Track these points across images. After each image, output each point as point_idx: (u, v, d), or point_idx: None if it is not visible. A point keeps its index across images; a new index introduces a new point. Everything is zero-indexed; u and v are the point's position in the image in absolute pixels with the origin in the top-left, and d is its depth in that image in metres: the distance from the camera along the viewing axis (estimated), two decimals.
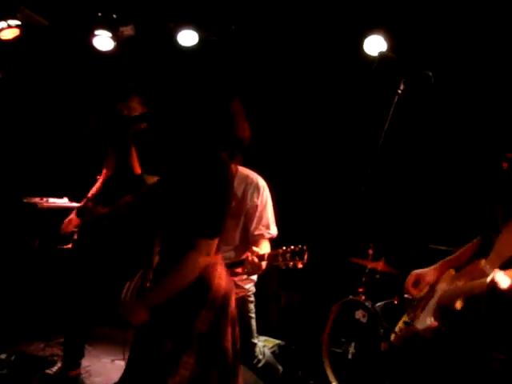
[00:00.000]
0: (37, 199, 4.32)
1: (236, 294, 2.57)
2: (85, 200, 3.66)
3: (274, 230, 2.98)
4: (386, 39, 4.21)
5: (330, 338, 4.14)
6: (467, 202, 4.08)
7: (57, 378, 3.54)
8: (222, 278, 2.32)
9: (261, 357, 3.23)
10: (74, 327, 3.56)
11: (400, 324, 2.59)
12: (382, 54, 4.00)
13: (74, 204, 4.17)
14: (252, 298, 3.14)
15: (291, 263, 2.56)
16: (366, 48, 4.29)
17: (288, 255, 2.57)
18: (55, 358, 3.85)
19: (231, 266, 2.71)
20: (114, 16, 4.69)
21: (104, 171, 3.77)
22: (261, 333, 3.40)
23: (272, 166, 3.80)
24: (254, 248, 2.72)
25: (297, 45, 4.65)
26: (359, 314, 4.06)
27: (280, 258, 2.60)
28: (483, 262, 2.11)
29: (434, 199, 4.42)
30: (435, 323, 2.23)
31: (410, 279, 2.50)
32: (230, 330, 2.34)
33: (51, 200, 4.35)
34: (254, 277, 3.09)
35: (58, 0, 4.63)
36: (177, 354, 2.22)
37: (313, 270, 3.66)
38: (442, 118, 4.35)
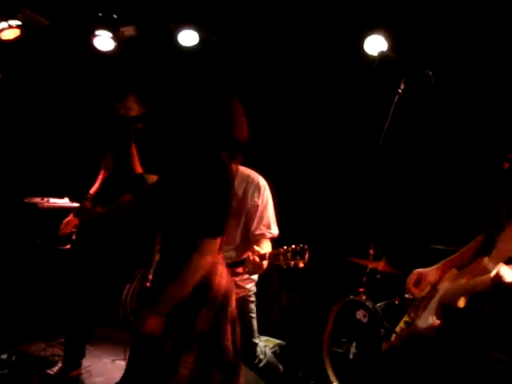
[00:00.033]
0: (37, 199, 4.32)
1: (237, 293, 2.58)
2: (83, 200, 3.68)
3: (275, 230, 2.98)
4: (386, 39, 4.20)
5: (331, 338, 4.14)
6: (468, 202, 4.07)
7: (58, 378, 3.54)
8: (222, 277, 2.33)
9: (262, 357, 3.23)
10: (74, 327, 3.57)
11: (401, 324, 2.58)
12: (382, 54, 4.00)
13: (75, 204, 4.17)
14: (253, 298, 3.14)
15: (292, 262, 2.56)
16: (367, 48, 4.28)
17: (289, 254, 2.57)
18: (56, 358, 3.85)
19: (232, 266, 2.71)
20: (115, 16, 4.69)
21: (102, 171, 3.78)
22: (262, 333, 3.40)
23: (273, 166, 3.80)
24: (256, 247, 2.72)
25: (297, 45, 4.65)
26: (360, 314, 4.05)
27: (281, 258, 2.60)
28: (486, 259, 2.11)
29: (435, 199, 4.42)
30: (437, 322, 2.22)
31: (412, 278, 2.48)
32: (230, 328, 2.34)
33: (52, 200, 4.35)
34: (255, 276, 3.09)
35: (58, 0, 4.64)
36: (177, 353, 2.23)
37: (314, 269, 3.66)
38: (443, 117, 4.34)
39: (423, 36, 4.10)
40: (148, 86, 3.67)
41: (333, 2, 4.31)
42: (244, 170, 3.00)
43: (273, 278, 4.74)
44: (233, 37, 4.78)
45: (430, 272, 2.45)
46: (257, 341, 3.19)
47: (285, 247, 2.61)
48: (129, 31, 4.81)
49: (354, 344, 4.04)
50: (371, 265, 4.22)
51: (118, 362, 4.04)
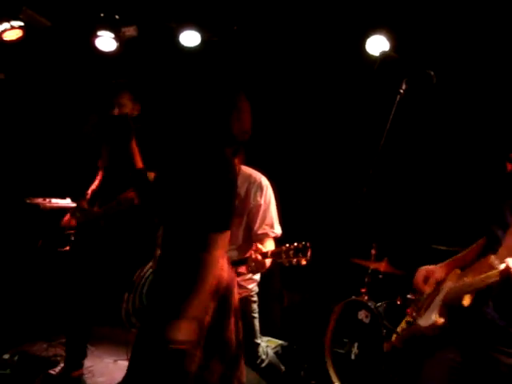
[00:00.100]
0: (40, 200, 4.33)
1: (239, 294, 2.59)
2: (79, 200, 3.69)
3: (278, 229, 2.98)
4: (388, 39, 4.20)
5: (333, 338, 4.13)
6: (470, 203, 4.07)
7: (60, 378, 3.54)
8: (223, 269, 2.34)
9: (264, 357, 3.23)
10: (75, 327, 3.57)
11: (402, 324, 2.58)
12: (383, 54, 3.99)
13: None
14: (255, 298, 3.14)
15: (294, 260, 2.56)
16: (369, 48, 4.28)
17: (291, 252, 2.57)
18: (58, 359, 3.86)
19: (235, 264, 2.71)
20: (117, 17, 4.68)
21: (100, 171, 3.79)
22: (264, 333, 3.40)
23: (275, 166, 3.80)
24: (258, 245, 2.72)
25: (299, 45, 4.65)
26: (362, 315, 4.05)
27: (283, 255, 2.60)
28: (492, 257, 2.09)
29: (437, 199, 4.41)
30: (441, 320, 2.21)
31: (420, 275, 2.43)
32: (233, 320, 2.36)
33: (54, 200, 4.36)
34: (257, 277, 3.10)
35: (60, 1, 4.64)
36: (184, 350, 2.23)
37: (316, 270, 3.67)
38: (445, 117, 4.34)
39: (425, 36, 4.10)
40: (141, 83, 3.68)
41: (335, 2, 4.31)
42: (246, 169, 3.00)
43: (275, 278, 4.74)
44: (234, 37, 4.78)
45: (437, 269, 2.42)
46: (259, 341, 3.20)
47: (287, 245, 2.61)
48: (130, 32, 4.80)
49: (356, 344, 4.03)
50: (373, 265, 4.22)
51: (119, 362, 4.04)
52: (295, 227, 3.33)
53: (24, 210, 4.29)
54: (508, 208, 2.23)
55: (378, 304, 4.06)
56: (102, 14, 4.66)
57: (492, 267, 2.05)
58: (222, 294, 2.32)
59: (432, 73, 2.89)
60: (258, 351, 3.18)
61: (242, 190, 2.91)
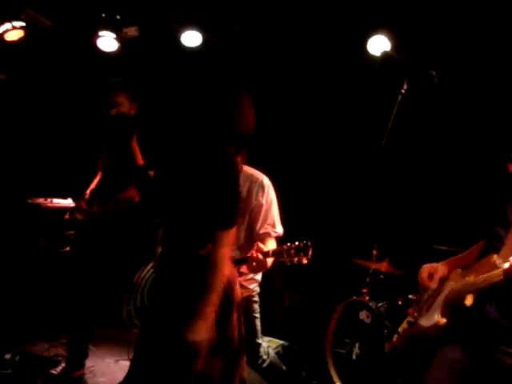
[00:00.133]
0: (41, 200, 4.33)
1: (241, 293, 2.58)
2: (78, 200, 3.69)
3: (279, 229, 2.98)
4: (389, 39, 4.20)
5: (334, 338, 4.13)
6: (471, 203, 4.06)
7: (61, 378, 3.54)
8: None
9: (265, 357, 3.23)
10: (76, 327, 3.57)
11: (403, 324, 2.57)
12: (385, 54, 3.99)
13: None
14: (256, 298, 3.14)
15: (296, 259, 2.56)
16: (370, 48, 4.28)
17: (292, 251, 2.57)
18: (59, 359, 3.86)
19: (236, 264, 2.71)
20: (118, 17, 4.69)
21: (99, 172, 3.80)
22: (265, 333, 3.40)
23: (276, 166, 3.80)
24: (259, 244, 2.72)
25: (300, 45, 4.65)
26: (363, 315, 4.05)
27: (284, 255, 2.60)
28: (495, 256, 2.08)
29: (438, 200, 4.41)
30: (443, 320, 2.19)
31: (425, 273, 2.41)
32: (235, 316, 2.36)
33: (55, 201, 4.37)
34: (259, 277, 3.10)
35: (61, 1, 4.64)
36: (190, 347, 2.23)
37: (317, 270, 3.66)
38: (446, 117, 4.34)
39: (426, 36, 4.09)
40: (139, 82, 3.69)
41: (336, 2, 4.31)
42: (248, 169, 3.00)
43: (276, 278, 4.74)
44: (236, 37, 4.79)
45: (440, 267, 2.41)
46: (260, 341, 3.20)
47: (288, 244, 2.61)
48: (132, 32, 4.81)
49: (357, 345, 4.03)
50: (374, 265, 4.22)
51: (121, 362, 4.05)
52: (297, 227, 3.33)
53: (25, 210, 4.29)
54: (510, 207, 2.22)
55: (380, 304, 4.06)
56: (103, 15, 4.66)
57: (495, 266, 2.04)
58: (225, 290, 2.33)
59: (434, 73, 2.89)
60: (259, 351, 3.18)
61: (243, 190, 2.91)
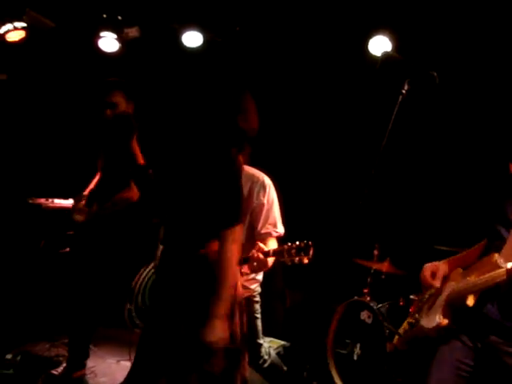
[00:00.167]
0: (42, 200, 4.33)
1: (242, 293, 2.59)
2: (76, 201, 3.70)
3: (281, 229, 2.98)
4: (390, 39, 4.20)
5: (335, 338, 4.13)
6: (472, 203, 4.06)
7: (62, 379, 3.54)
8: None
9: (266, 357, 3.24)
10: (78, 328, 3.57)
11: (404, 325, 2.56)
12: (385, 54, 3.99)
13: None
14: (257, 299, 3.14)
15: (297, 259, 2.56)
16: (371, 48, 4.28)
17: (293, 251, 2.57)
18: (60, 359, 3.86)
19: (238, 264, 2.71)
20: (119, 18, 4.70)
21: (98, 172, 3.81)
22: (266, 334, 3.40)
23: (277, 166, 3.80)
24: (260, 244, 2.72)
25: (301, 45, 4.65)
26: (364, 315, 4.05)
27: (285, 254, 2.61)
28: (496, 255, 2.07)
29: (439, 200, 4.41)
30: (445, 321, 2.18)
31: (427, 271, 2.40)
32: (238, 313, 2.36)
33: (56, 201, 4.37)
34: (260, 277, 3.10)
35: (63, 2, 4.65)
36: (193, 346, 2.23)
37: (318, 270, 3.66)
38: (447, 118, 4.34)
39: (427, 37, 4.09)
40: (136, 82, 3.69)
41: (337, 2, 4.31)
42: (249, 169, 3.00)
43: (277, 278, 4.74)
44: (237, 37, 4.79)
45: (441, 265, 2.40)
46: (261, 341, 3.20)
47: (289, 244, 2.62)
48: (133, 32, 4.82)
49: (359, 345, 4.03)
50: (375, 266, 4.22)
51: (122, 362, 4.05)
52: (298, 227, 3.33)
53: (26, 211, 4.29)
54: (510, 207, 2.21)
55: (381, 304, 4.05)
56: (104, 15, 4.67)
57: (497, 266, 2.03)
58: None
59: (434, 73, 2.89)
60: (260, 351, 3.18)
61: (244, 190, 2.90)
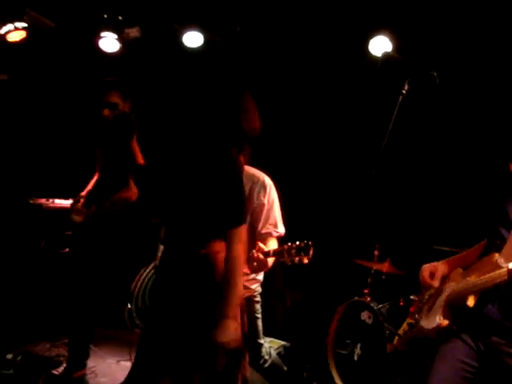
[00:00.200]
0: (43, 200, 4.34)
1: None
2: (74, 202, 3.70)
3: (281, 229, 2.98)
4: (391, 40, 4.20)
5: (336, 339, 4.13)
6: (473, 203, 4.06)
7: (62, 379, 3.55)
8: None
9: (267, 357, 3.24)
10: (78, 328, 3.57)
11: (404, 326, 2.55)
12: (386, 55, 3.99)
13: None
14: (258, 299, 3.14)
15: (297, 259, 2.56)
16: (371, 48, 4.28)
17: (293, 251, 2.57)
18: (61, 359, 3.86)
19: None
20: (120, 18, 4.70)
21: (96, 172, 3.81)
22: (266, 334, 3.40)
23: (277, 167, 3.80)
24: (260, 244, 2.72)
25: (302, 45, 4.65)
26: (365, 316, 4.05)
27: (285, 254, 2.61)
28: (497, 255, 2.05)
29: (439, 200, 4.41)
30: (445, 322, 2.17)
31: (426, 272, 2.39)
32: (238, 313, 2.36)
33: (57, 201, 4.37)
34: (260, 277, 3.10)
35: (64, 2, 4.65)
36: (195, 346, 2.23)
37: (318, 271, 3.66)
38: (447, 118, 4.33)
39: (427, 37, 4.09)
40: (135, 82, 3.69)
41: (338, 2, 4.31)
42: (249, 169, 3.00)
43: (277, 278, 4.74)
44: (237, 38, 4.79)
45: (440, 265, 2.39)
46: (262, 341, 3.20)
47: (289, 244, 2.62)
48: (134, 33, 4.82)
49: (359, 345, 4.03)
50: (376, 266, 4.22)
51: (122, 362, 4.05)
52: (298, 228, 3.33)
53: (27, 211, 4.30)
54: (510, 207, 2.20)
55: (381, 305, 4.05)
56: (105, 15, 4.67)
57: (497, 266, 2.01)
58: None
59: (435, 73, 2.89)
60: (260, 351, 3.19)
61: (245, 190, 2.91)
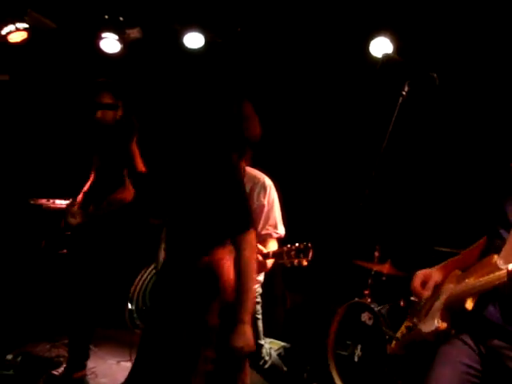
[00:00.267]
0: (43, 201, 4.34)
1: None
2: (71, 203, 3.70)
3: (281, 230, 2.98)
4: (391, 41, 4.20)
5: (336, 340, 4.13)
6: (473, 204, 4.06)
7: (62, 379, 3.55)
8: (229, 270, 2.34)
9: (267, 358, 3.24)
10: (78, 328, 3.57)
11: (402, 329, 2.52)
12: (386, 56, 4.00)
13: None
14: (258, 299, 3.15)
15: (296, 261, 2.57)
16: (372, 50, 4.29)
17: (293, 253, 2.58)
18: (61, 359, 3.87)
19: None
20: (121, 18, 4.70)
21: (92, 173, 3.82)
22: (266, 335, 3.40)
23: (278, 168, 3.81)
24: (259, 246, 2.72)
25: (302, 46, 4.65)
26: (365, 317, 4.05)
27: (285, 256, 2.61)
28: (496, 256, 2.02)
29: (440, 201, 4.41)
30: (444, 325, 2.14)
31: (417, 280, 2.35)
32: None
33: (57, 201, 4.37)
34: (261, 278, 3.10)
35: (65, 3, 4.66)
36: (196, 350, 2.23)
37: (319, 272, 3.66)
38: (447, 119, 4.34)
39: (428, 38, 4.10)
40: (132, 83, 3.69)
41: (338, 3, 4.31)
42: (250, 170, 3.00)
43: (277, 279, 4.74)
44: (238, 39, 4.79)
45: (434, 272, 2.35)
46: (262, 342, 3.20)
47: (288, 246, 2.62)
48: (134, 33, 4.82)
49: (359, 346, 4.03)
50: (376, 267, 4.21)
51: (122, 363, 4.05)
52: (298, 229, 3.33)
53: (27, 211, 4.30)
54: (510, 207, 2.19)
55: (381, 306, 4.05)
56: (106, 16, 4.68)
57: (497, 267, 1.98)
58: (230, 294, 2.32)
59: (435, 75, 2.89)
60: (261, 352, 3.19)
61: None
